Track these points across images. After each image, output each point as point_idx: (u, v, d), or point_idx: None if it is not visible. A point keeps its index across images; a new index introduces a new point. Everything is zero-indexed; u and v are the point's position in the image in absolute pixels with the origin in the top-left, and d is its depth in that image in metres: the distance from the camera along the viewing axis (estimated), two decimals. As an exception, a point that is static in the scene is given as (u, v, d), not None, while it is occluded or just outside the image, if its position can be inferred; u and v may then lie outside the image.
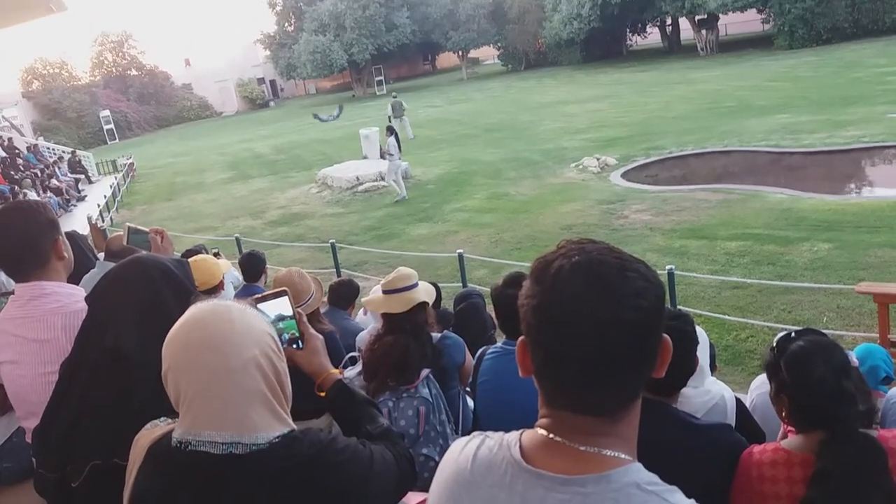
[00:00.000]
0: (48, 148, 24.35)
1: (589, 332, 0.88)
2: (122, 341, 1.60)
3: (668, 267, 5.98)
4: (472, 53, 49.91)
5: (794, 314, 6.16)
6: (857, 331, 5.53)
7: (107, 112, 41.42)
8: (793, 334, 1.80)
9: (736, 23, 37.52)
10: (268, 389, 1.20)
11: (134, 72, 48.81)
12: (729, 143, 14.08)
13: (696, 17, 35.49)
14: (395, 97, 22.14)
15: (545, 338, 0.93)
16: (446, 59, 53.23)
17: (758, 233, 8.61)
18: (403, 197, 13.65)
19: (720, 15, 34.87)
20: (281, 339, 1.45)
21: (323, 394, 1.58)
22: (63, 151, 24.01)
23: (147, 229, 2.79)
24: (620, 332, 0.88)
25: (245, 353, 1.18)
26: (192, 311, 1.23)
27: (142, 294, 1.66)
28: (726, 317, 6.21)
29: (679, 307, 5.53)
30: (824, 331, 1.99)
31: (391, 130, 14.12)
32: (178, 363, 1.19)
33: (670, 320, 1.54)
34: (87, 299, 1.80)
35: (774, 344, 1.82)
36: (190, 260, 3.93)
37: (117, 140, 40.48)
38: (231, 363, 1.16)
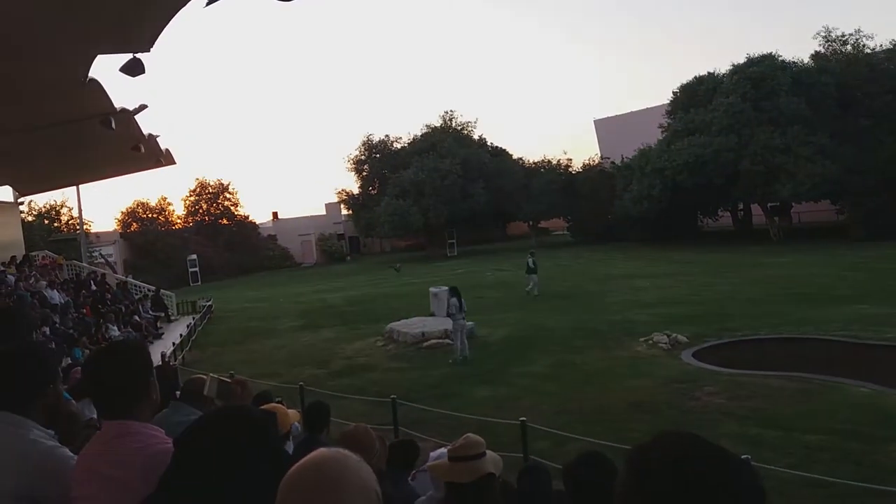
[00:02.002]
0: (135, 285, 25.86)
1: None
2: (202, 493, 1.64)
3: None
4: (542, 223, 51.57)
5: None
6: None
7: (194, 256, 44.02)
8: None
9: (809, 211, 37.66)
10: None
11: (225, 221, 52.26)
12: (805, 331, 13.65)
13: (769, 204, 35.91)
14: (532, 254, 23.13)
15: None
16: (517, 226, 55.04)
17: (840, 427, 8.10)
18: (463, 358, 13.67)
19: (793, 203, 35.26)
20: None
21: None
22: (149, 290, 25.45)
23: (229, 380, 2.93)
24: None
25: (353, 501, 1.23)
26: (312, 454, 1.31)
27: (231, 451, 1.72)
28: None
29: None
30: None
31: (454, 291, 14.40)
32: (288, 499, 1.24)
33: None
34: (177, 442, 1.87)
35: None
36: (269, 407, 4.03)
37: (200, 283, 42.58)
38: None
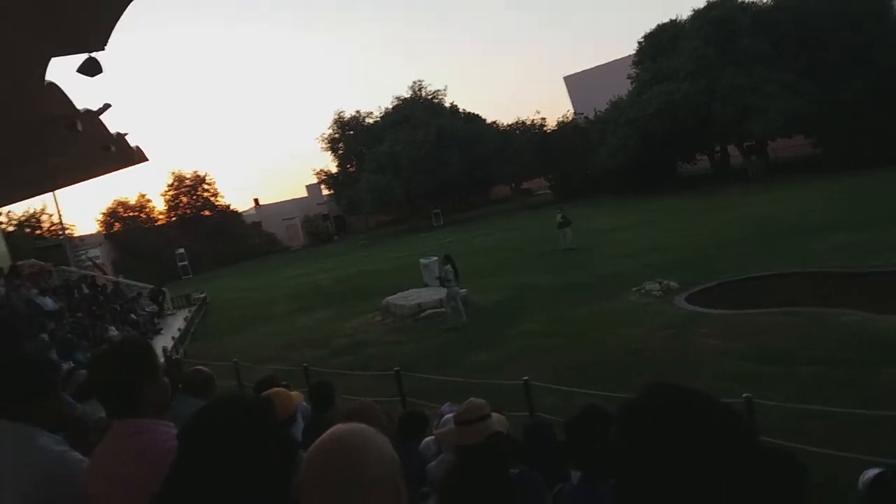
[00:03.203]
0: (127, 284, 25.74)
1: (678, 481, 0.89)
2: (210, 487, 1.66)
3: (744, 395, 5.77)
4: (524, 185, 51.47)
5: (886, 447, 5.70)
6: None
7: (182, 249, 43.69)
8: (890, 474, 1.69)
9: (785, 147, 37.79)
10: None
11: (207, 212, 51.74)
12: (790, 265, 13.85)
13: (745, 144, 36.02)
14: (561, 210, 23.22)
15: (634, 482, 0.93)
16: (499, 190, 54.99)
17: (833, 357, 8.28)
18: (462, 324, 13.79)
19: (768, 141, 35.39)
20: None
21: None
22: (141, 288, 25.34)
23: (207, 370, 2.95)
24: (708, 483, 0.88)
25: (376, 471, 1.28)
26: (332, 429, 1.36)
27: (232, 442, 1.73)
28: (814, 449, 5.77)
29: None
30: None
31: (448, 258, 14.48)
32: (311, 473, 1.28)
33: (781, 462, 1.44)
34: (179, 436, 1.86)
35: (869, 482, 1.71)
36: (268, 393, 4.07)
37: (191, 275, 42.35)
38: (362, 477, 1.26)
